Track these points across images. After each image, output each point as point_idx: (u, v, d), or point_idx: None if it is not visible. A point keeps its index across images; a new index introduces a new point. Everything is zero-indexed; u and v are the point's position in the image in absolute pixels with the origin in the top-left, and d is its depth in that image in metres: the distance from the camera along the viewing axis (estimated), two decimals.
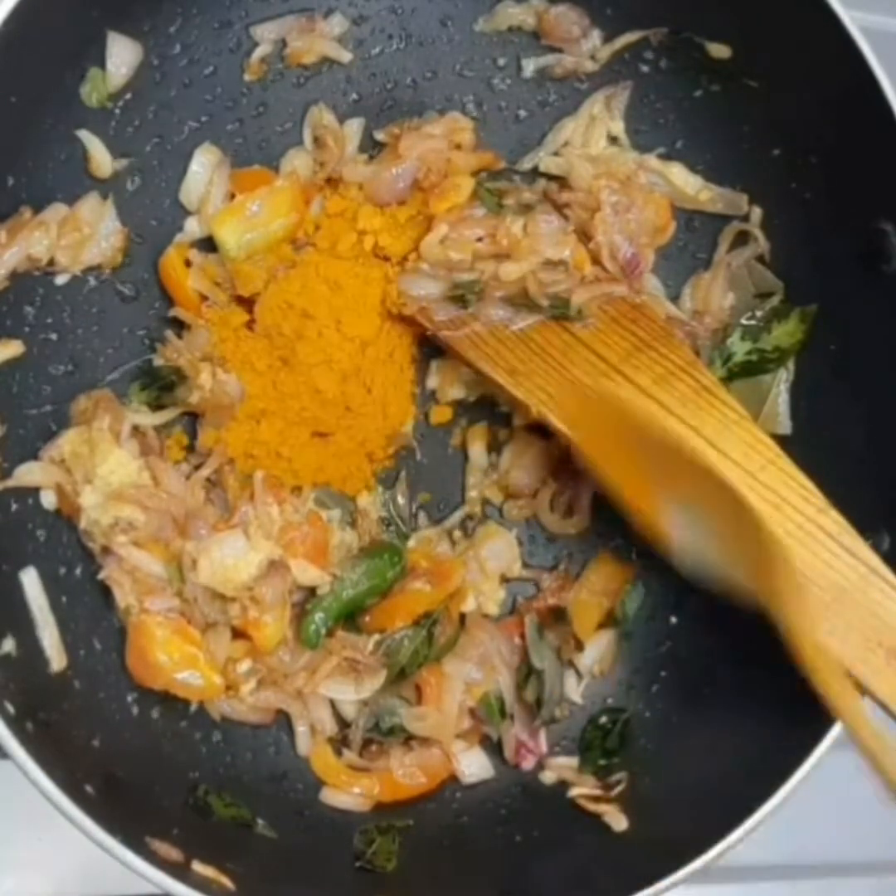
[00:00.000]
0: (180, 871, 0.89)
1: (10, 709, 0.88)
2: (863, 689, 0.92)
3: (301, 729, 1.09)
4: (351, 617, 1.07)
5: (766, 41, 1.08)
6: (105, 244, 1.08)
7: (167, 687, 1.02)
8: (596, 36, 1.16)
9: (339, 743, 1.10)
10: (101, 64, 1.06)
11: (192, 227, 1.13)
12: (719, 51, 1.12)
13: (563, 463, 1.15)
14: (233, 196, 1.11)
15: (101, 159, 1.08)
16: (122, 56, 1.07)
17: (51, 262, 1.06)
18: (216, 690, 1.03)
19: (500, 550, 1.13)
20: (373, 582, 1.07)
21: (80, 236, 1.07)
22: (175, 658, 1.02)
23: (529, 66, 1.18)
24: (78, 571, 1.06)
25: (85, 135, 1.07)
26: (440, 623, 1.08)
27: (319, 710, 1.09)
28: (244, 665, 1.05)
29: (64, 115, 1.05)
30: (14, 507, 1.03)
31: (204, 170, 1.12)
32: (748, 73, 1.11)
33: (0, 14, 0.93)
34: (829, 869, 1.24)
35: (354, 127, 1.16)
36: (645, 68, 1.16)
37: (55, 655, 1.01)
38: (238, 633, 1.05)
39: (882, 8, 1.31)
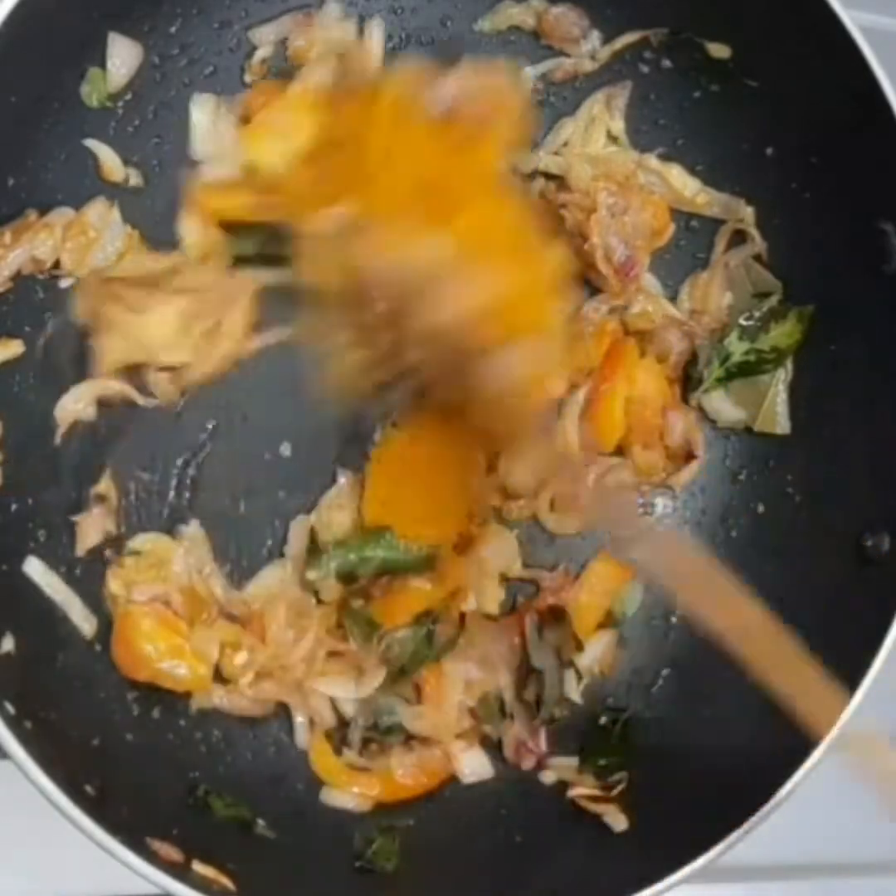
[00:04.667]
0: (180, 871, 0.89)
1: (10, 708, 0.88)
2: None
3: (299, 720, 1.08)
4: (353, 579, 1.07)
5: (766, 41, 1.08)
6: (111, 248, 1.08)
7: (153, 678, 1.02)
8: (596, 36, 1.16)
9: (339, 742, 1.10)
10: (102, 64, 1.06)
11: (211, 170, 1.10)
12: (719, 51, 1.12)
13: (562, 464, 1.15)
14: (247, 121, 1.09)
15: (113, 164, 1.08)
16: (122, 56, 1.07)
17: (56, 265, 1.06)
18: (202, 681, 1.03)
19: (500, 550, 1.13)
20: (388, 554, 1.06)
21: (85, 240, 1.06)
22: (161, 648, 1.02)
23: (529, 75, 1.18)
24: (78, 571, 1.06)
25: (93, 143, 1.07)
26: (441, 622, 1.08)
27: (319, 701, 1.09)
28: (241, 657, 1.05)
29: (64, 116, 1.05)
30: (14, 506, 1.03)
31: (206, 116, 1.11)
32: (748, 73, 1.11)
33: (0, 14, 0.93)
34: (829, 869, 1.24)
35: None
36: (645, 68, 1.16)
37: (84, 624, 1.03)
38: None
39: (882, 8, 1.31)
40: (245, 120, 1.10)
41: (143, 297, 1.04)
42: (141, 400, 1.07)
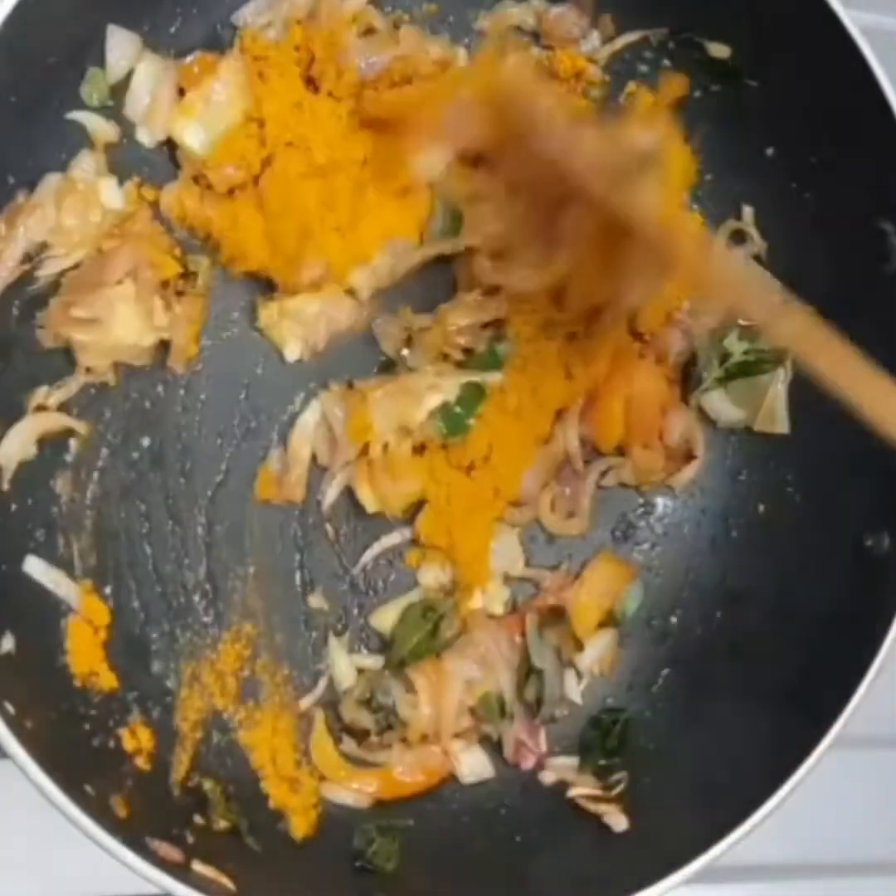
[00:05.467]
0: (180, 871, 0.89)
1: (10, 708, 0.88)
2: None
3: None
4: None
5: (766, 41, 1.08)
6: (112, 195, 1.06)
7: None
8: (596, 36, 1.16)
9: (339, 731, 1.09)
10: (101, 64, 1.06)
11: (143, 137, 1.09)
12: (719, 51, 1.12)
13: (563, 465, 1.15)
14: (182, 94, 1.07)
15: (103, 129, 1.07)
16: (121, 48, 1.06)
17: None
18: None
19: (503, 549, 1.13)
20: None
21: (81, 198, 1.04)
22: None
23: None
24: (77, 572, 1.06)
25: (82, 115, 1.06)
26: (448, 618, 1.09)
27: None
28: None
29: (64, 116, 1.05)
30: (14, 507, 1.03)
31: (148, 78, 1.08)
32: (748, 73, 1.11)
33: (0, 14, 0.93)
34: (829, 869, 1.24)
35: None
36: (645, 68, 1.16)
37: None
38: None
39: (882, 8, 1.31)
40: (181, 92, 1.08)
41: (94, 304, 1.02)
42: (83, 429, 1.06)
